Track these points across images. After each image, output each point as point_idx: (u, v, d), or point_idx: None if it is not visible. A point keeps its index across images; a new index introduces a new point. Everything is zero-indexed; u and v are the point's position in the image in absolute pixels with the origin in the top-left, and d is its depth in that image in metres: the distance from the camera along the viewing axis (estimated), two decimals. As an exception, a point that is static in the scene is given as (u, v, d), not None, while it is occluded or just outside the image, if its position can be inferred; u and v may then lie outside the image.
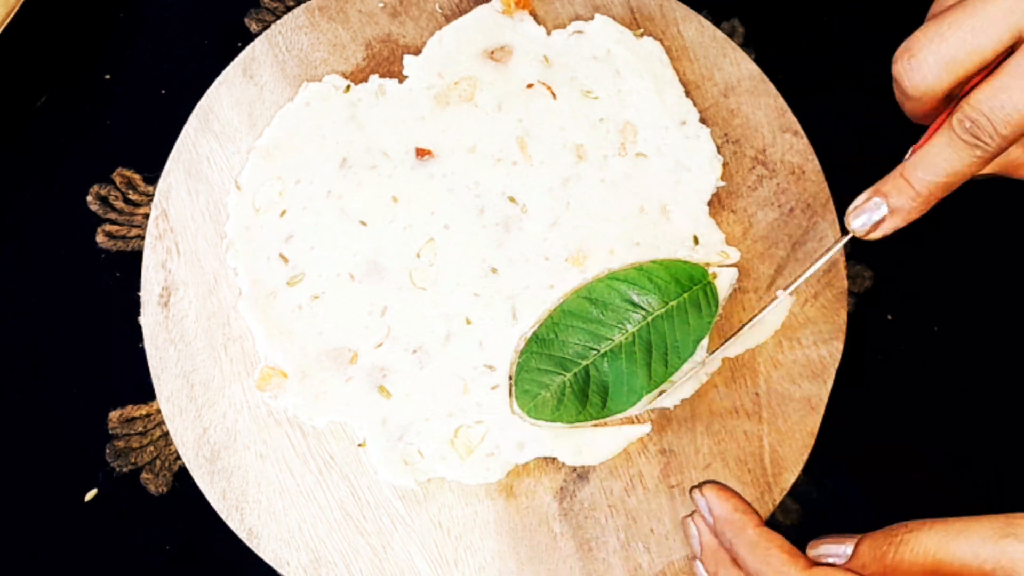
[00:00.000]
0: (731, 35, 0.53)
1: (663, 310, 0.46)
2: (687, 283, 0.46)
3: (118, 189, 0.52)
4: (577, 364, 0.45)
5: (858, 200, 0.39)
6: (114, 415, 0.49)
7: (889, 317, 0.51)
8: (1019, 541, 0.32)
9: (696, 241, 0.48)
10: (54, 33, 0.54)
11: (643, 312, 0.45)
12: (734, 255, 0.48)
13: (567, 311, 0.46)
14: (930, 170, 0.37)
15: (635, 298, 0.46)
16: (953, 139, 0.36)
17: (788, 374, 0.47)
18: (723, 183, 0.49)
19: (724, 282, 0.47)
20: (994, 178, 0.43)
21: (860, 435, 0.50)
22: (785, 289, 0.43)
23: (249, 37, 0.52)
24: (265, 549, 0.45)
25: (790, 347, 0.48)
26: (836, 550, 0.37)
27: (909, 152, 0.39)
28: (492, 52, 0.50)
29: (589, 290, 0.46)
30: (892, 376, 0.51)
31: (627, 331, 0.45)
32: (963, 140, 0.36)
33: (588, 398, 0.45)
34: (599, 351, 0.45)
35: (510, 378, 0.46)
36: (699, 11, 0.52)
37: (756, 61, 0.52)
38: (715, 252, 0.48)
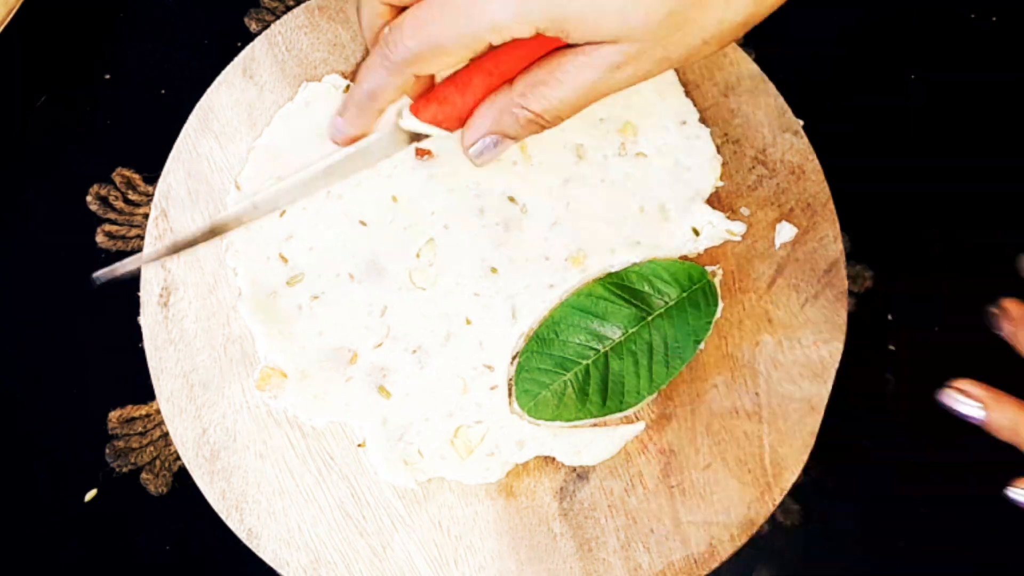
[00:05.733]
0: (731, 35, 0.53)
1: (662, 310, 0.46)
2: (686, 283, 0.46)
3: (118, 189, 0.52)
4: (577, 364, 0.45)
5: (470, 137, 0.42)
6: (114, 415, 0.49)
7: (889, 317, 0.51)
8: None
9: (696, 232, 0.48)
10: (54, 33, 0.54)
11: (643, 313, 0.45)
12: (740, 228, 0.48)
13: (568, 310, 0.46)
14: None
15: (635, 299, 0.46)
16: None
17: (788, 374, 0.47)
18: (723, 183, 0.49)
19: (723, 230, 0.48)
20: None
21: (860, 435, 0.50)
22: None
23: (249, 37, 0.52)
24: (265, 549, 0.45)
25: (790, 347, 0.48)
26: None
27: None
28: (492, 52, 0.50)
29: (590, 290, 0.46)
30: (892, 376, 0.51)
31: (627, 331, 0.45)
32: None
33: (588, 397, 0.45)
34: (599, 351, 0.45)
35: (509, 378, 0.46)
36: (699, 11, 0.52)
37: (756, 61, 0.52)
38: (722, 232, 0.48)
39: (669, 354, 0.45)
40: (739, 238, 0.48)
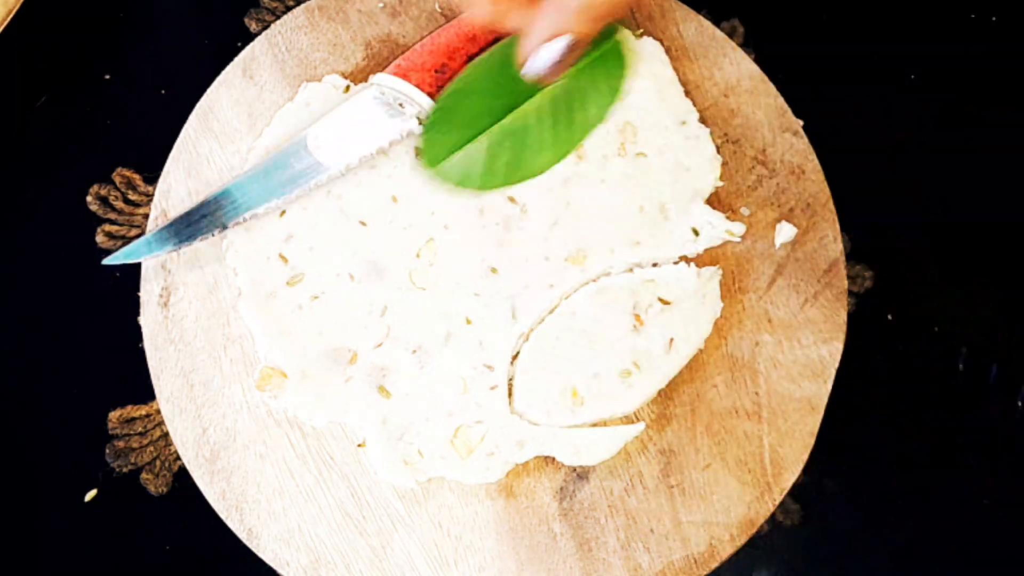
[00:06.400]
0: (731, 35, 0.53)
1: (573, 71, 0.43)
2: (598, 40, 0.43)
3: (118, 189, 0.52)
4: (484, 127, 0.44)
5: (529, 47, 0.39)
6: (114, 415, 0.49)
7: (889, 317, 0.51)
8: None
9: (696, 233, 0.48)
10: (54, 33, 0.54)
11: None
12: (739, 229, 0.48)
13: (482, 68, 0.44)
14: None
15: None
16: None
17: (788, 374, 0.47)
18: (722, 183, 0.49)
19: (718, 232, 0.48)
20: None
21: (860, 435, 0.50)
22: None
23: (249, 37, 0.52)
24: (265, 549, 0.45)
25: (790, 347, 0.48)
26: None
27: None
28: (492, 52, 0.50)
29: (504, 47, 0.44)
30: (892, 376, 0.51)
31: (538, 92, 0.43)
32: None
33: (496, 159, 0.43)
34: (510, 111, 0.44)
35: (510, 378, 0.46)
36: (699, 11, 0.52)
37: (756, 61, 0.52)
38: (721, 233, 0.48)
39: (576, 118, 0.43)
40: (738, 239, 0.48)
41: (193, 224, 0.45)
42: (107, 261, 0.45)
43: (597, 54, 0.43)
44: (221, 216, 0.46)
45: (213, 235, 0.45)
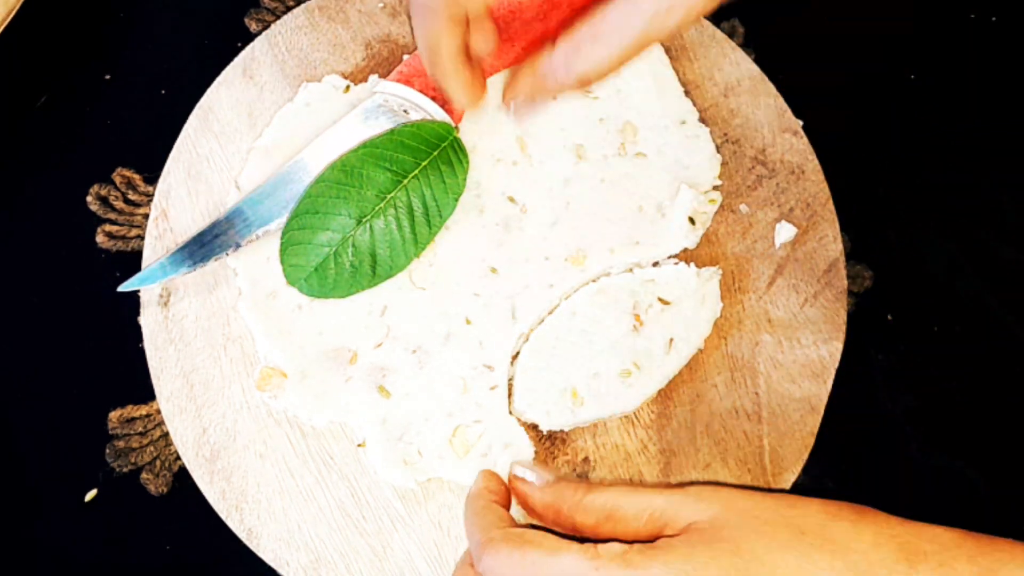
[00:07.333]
0: (731, 35, 0.53)
1: (416, 171, 0.46)
2: (436, 142, 0.46)
3: (118, 189, 0.52)
4: (341, 235, 0.45)
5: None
6: (114, 415, 0.49)
7: (889, 317, 0.51)
8: (685, 502, 0.37)
9: (692, 221, 0.48)
10: (54, 33, 0.54)
11: (398, 177, 0.46)
12: (718, 197, 0.49)
13: (324, 185, 0.46)
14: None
15: (388, 164, 0.46)
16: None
17: (788, 374, 0.47)
18: (722, 182, 0.49)
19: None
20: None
21: (860, 435, 0.50)
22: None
23: (249, 37, 0.52)
24: (265, 549, 0.45)
25: (790, 347, 0.48)
26: (533, 476, 0.42)
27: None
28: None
29: (344, 162, 0.46)
30: (892, 376, 0.51)
31: (385, 197, 0.46)
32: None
33: (358, 268, 0.45)
34: (361, 220, 0.45)
35: (510, 378, 0.46)
36: (699, 11, 0.52)
37: (756, 61, 0.52)
38: (705, 205, 0.49)
39: (429, 213, 0.46)
40: (719, 203, 0.49)
41: (206, 245, 0.46)
42: (122, 288, 0.45)
43: (439, 154, 0.46)
44: (234, 235, 0.46)
45: (227, 255, 0.46)
